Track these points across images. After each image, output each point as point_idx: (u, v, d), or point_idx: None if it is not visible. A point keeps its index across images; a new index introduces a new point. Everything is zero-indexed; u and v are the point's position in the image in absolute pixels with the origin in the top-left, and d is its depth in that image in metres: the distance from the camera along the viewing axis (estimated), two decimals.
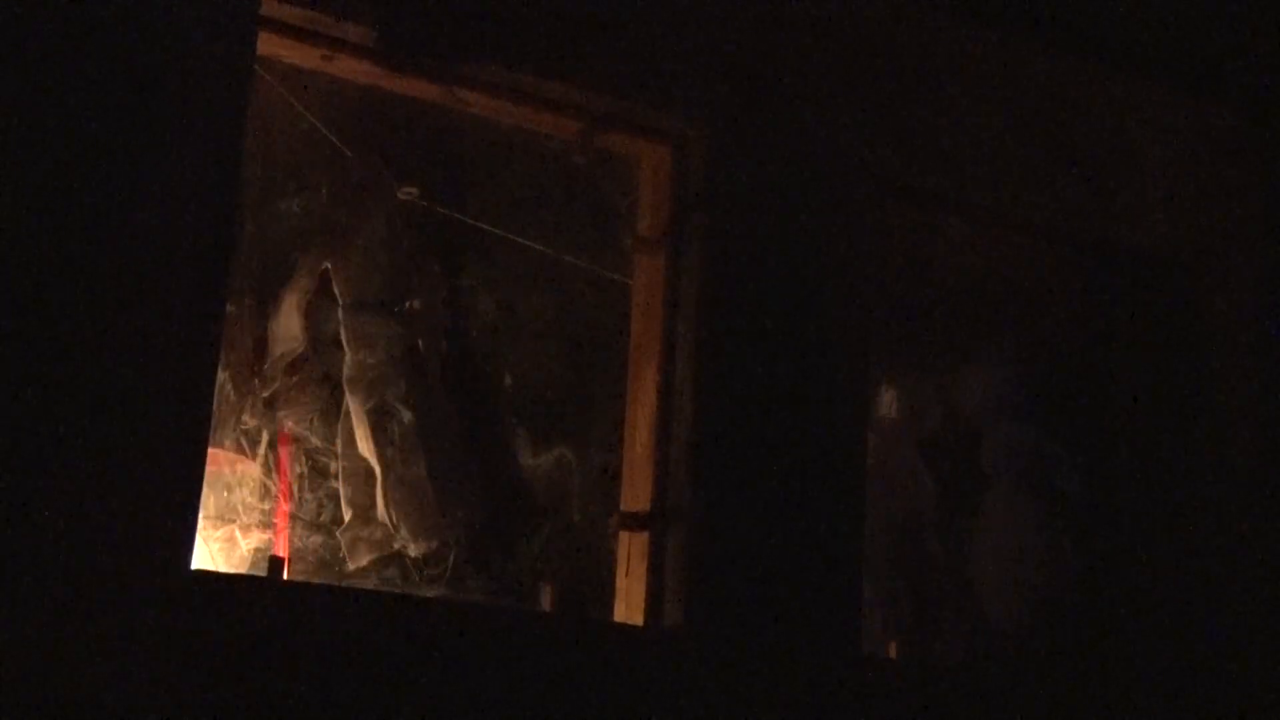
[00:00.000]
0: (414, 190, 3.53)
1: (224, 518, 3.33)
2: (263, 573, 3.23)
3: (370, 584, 3.45)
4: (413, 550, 3.43)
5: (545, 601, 3.42)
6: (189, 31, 3.01)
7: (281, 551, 3.33)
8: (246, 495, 3.36)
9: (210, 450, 3.03)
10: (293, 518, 3.39)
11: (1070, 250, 4.17)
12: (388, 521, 3.38)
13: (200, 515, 2.96)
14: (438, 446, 3.44)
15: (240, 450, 3.38)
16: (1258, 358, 4.13)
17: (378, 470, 3.40)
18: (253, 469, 3.34)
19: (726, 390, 3.43)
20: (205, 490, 3.09)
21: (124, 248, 2.90)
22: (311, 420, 3.48)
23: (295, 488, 3.43)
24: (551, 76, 3.42)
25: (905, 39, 3.81)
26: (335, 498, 3.44)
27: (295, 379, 3.46)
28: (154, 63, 2.98)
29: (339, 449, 3.44)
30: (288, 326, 3.42)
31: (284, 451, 3.41)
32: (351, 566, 3.39)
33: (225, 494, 3.33)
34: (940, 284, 4.14)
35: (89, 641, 2.73)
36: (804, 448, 3.47)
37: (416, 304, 3.52)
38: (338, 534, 3.40)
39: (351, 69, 3.35)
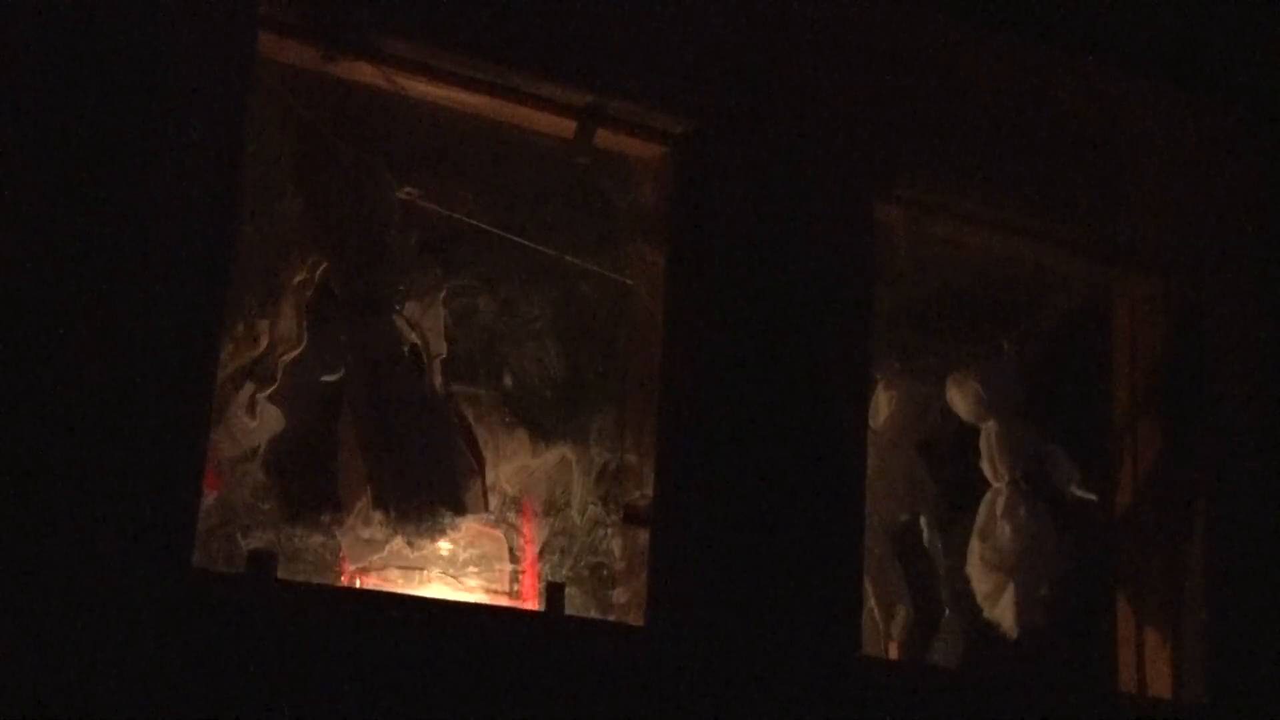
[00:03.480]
0: (414, 190, 3.53)
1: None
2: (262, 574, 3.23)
3: (370, 584, 3.45)
4: (413, 550, 3.43)
5: (545, 601, 3.42)
6: (189, 31, 3.01)
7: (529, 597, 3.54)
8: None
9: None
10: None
11: (1069, 250, 4.16)
12: (387, 521, 3.38)
13: (200, 515, 2.97)
14: (437, 446, 3.44)
15: None
16: (1258, 358, 4.13)
17: (377, 470, 3.40)
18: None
19: (726, 390, 3.43)
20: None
21: (123, 248, 2.90)
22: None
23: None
24: (550, 76, 3.43)
25: (905, 39, 3.81)
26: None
27: (295, 379, 3.46)
28: (154, 63, 2.98)
29: (339, 450, 3.44)
30: (287, 326, 3.42)
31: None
32: (351, 566, 3.39)
33: None
34: (940, 284, 4.14)
35: (89, 641, 2.73)
36: (805, 447, 3.47)
37: (416, 304, 3.51)
38: (337, 534, 3.40)
39: (351, 69, 3.36)
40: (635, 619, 3.41)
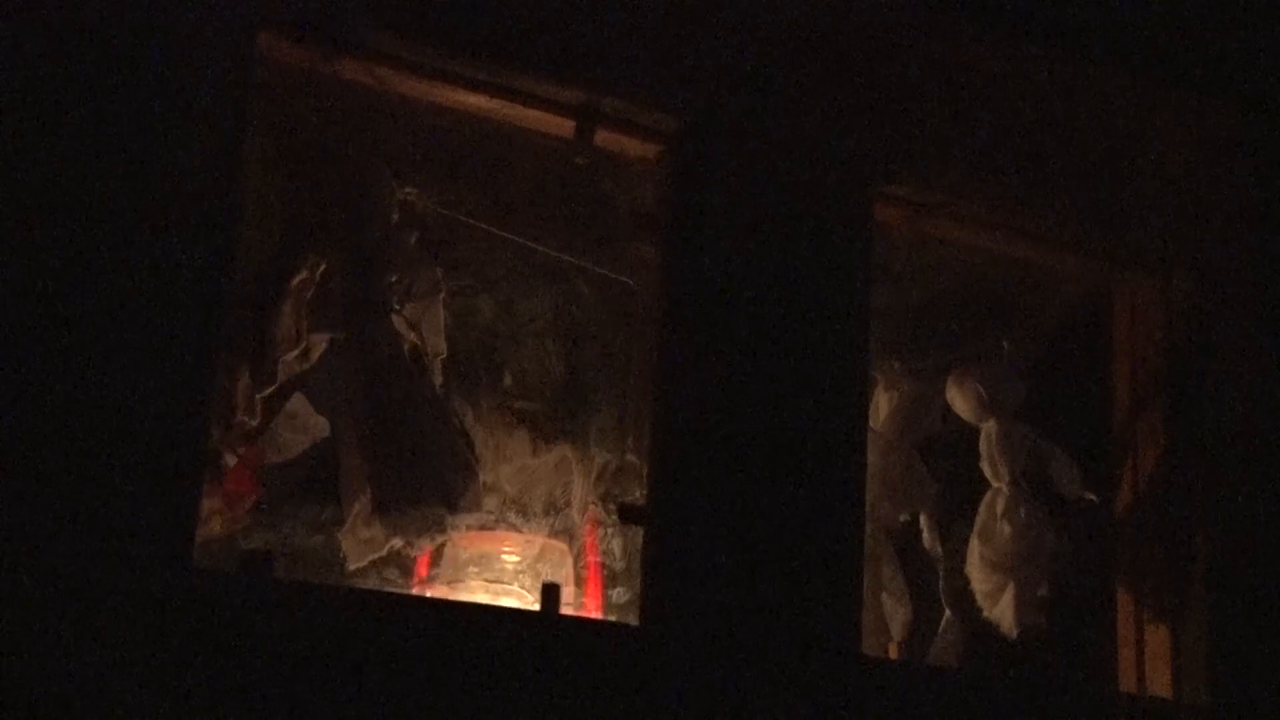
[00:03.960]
0: (414, 190, 3.53)
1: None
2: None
3: (370, 584, 3.45)
4: (413, 550, 3.43)
5: (545, 602, 3.42)
6: (189, 31, 3.02)
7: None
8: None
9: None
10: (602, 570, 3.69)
11: (1069, 250, 4.16)
12: (386, 521, 3.38)
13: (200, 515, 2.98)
14: (436, 446, 3.44)
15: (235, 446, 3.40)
16: (1258, 358, 4.13)
17: (377, 470, 3.40)
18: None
19: (726, 389, 3.43)
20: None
21: (123, 248, 2.90)
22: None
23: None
24: (546, 75, 3.43)
25: (904, 39, 3.81)
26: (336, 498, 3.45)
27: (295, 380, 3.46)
28: (154, 63, 2.98)
29: (339, 450, 3.44)
30: (287, 326, 3.42)
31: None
32: (351, 566, 3.39)
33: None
34: (939, 284, 4.14)
35: (89, 641, 2.74)
36: (804, 446, 3.47)
37: (416, 304, 3.52)
38: (338, 534, 3.40)
39: (352, 69, 3.36)
40: (634, 619, 3.41)
